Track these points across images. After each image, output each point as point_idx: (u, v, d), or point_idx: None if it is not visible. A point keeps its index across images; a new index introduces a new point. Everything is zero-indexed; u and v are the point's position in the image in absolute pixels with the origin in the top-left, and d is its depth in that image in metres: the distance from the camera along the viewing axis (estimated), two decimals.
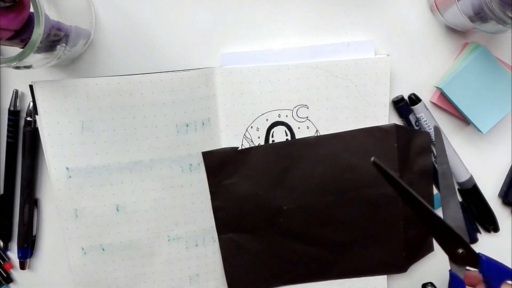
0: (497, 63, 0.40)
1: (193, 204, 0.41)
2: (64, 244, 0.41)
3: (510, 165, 0.43)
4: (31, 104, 0.40)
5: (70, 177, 0.39)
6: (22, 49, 0.30)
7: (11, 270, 0.44)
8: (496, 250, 0.44)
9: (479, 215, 0.43)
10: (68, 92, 0.38)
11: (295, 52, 0.40)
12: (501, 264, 0.36)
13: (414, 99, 0.41)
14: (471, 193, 0.43)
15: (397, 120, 0.42)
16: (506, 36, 0.41)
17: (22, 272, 0.44)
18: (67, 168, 0.39)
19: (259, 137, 0.41)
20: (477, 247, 0.44)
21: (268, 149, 0.41)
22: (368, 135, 0.40)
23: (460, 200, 0.44)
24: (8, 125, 0.41)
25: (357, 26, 0.41)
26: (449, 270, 0.37)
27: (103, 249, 0.41)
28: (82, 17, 0.37)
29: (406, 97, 0.41)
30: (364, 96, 0.40)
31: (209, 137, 0.41)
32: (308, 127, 0.41)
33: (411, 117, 0.41)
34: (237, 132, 0.41)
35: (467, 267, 0.37)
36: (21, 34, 0.31)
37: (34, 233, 0.43)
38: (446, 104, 0.41)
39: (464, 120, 0.42)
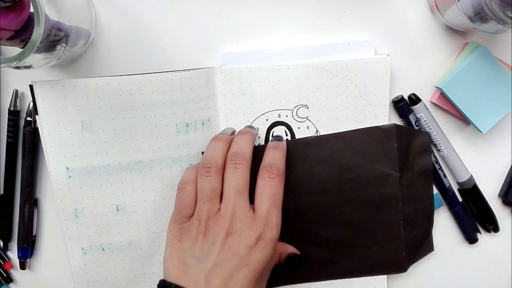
0: (497, 63, 0.40)
1: None
2: (64, 244, 0.41)
3: (510, 165, 0.43)
4: (31, 104, 0.40)
5: (70, 177, 0.39)
6: (22, 49, 0.30)
7: (11, 270, 0.44)
8: (496, 250, 0.44)
9: (479, 215, 0.43)
10: (68, 92, 0.38)
11: (295, 52, 0.40)
12: None
13: (414, 99, 0.41)
14: (471, 193, 0.43)
15: (397, 120, 0.42)
16: (506, 36, 0.41)
17: (22, 272, 0.44)
18: (67, 168, 0.39)
19: (259, 137, 0.41)
20: (477, 247, 0.44)
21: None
22: (368, 135, 0.40)
23: (460, 200, 0.44)
24: (8, 125, 0.41)
25: (357, 26, 0.40)
26: None
27: (103, 249, 0.41)
28: (82, 17, 0.37)
29: (406, 97, 0.41)
30: (364, 96, 0.40)
31: (209, 137, 0.40)
32: (308, 127, 0.41)
33: (411, 117, 0.41)
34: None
35: None
36: (21, 34, 0.31)
37: (34, 233, 0.43)
38: (446, 104, 0.41)
39: (464, 120, 0.42)
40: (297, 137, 0.41)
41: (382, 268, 0.42)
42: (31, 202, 0.42)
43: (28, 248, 0.43)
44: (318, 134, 0.41)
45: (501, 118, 0.40)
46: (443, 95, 0.40)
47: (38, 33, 0.29)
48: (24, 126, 0.41)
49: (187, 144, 0.40)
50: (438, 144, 0.42)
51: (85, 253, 0.41)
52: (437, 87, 0.41)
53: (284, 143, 0.39)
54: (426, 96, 0.42)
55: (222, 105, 0.40)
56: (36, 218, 0.43)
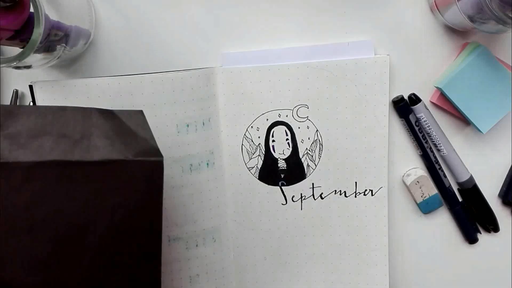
0: (497, 63, 0.40)
1: (193, 204, 0.41)
2: None
3: (510, 165, 0.43)
4: (31, 104, 0.40)
5: None
6: (22, 49, 0.30)
7: None
8: (496, 250, 0.44)
9: (479, 215, 0.43)
10: (69, 92, 0.38)
11: (295, 52, 0.40)
12: None
13: (414, 99, 0.41)
14: (471, 193, 0.43)
15: (397, 120, 0.42)
16: (506, 36, 0.41)
17: None
18: None
19: (259, 137, 0.41)
20: (477, 247, 0.44)
21: None
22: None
23: (460, 200, 0.44)
24: None
25: (357, 26, 0.41)
26: None
27: None
28: (82, 17, 0.37)
29: (406, 97, 0.41)
30: (364, 96, 0.40)
31: (210, 137, 0.41)
32: (308, 127, 0.41)
33: (411, 117, 0.41)
34: (237, 132, 0.41)
35: None
36: (21, 34, 0.31)
37: None
38: (446, 104, 0.41)
39: (464, 120, 0.42)
40: (297, 136, 0.41)
41: None
42: None
43: None
44: (319, 136, 0.41)
45: (501, 118, 0.40)
46: (443, 95, 0.40)
47: (38, 33, 0.29)
48: None
49: (188, 144, 0.40)
50: (438, 144, 0.42)
51: None
52: (437, 87, 0.41)
53: None
54: (426, 96, 0.42)
55: (223, 105, 0.40)
56: None
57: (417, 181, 0.42)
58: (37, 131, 0.28)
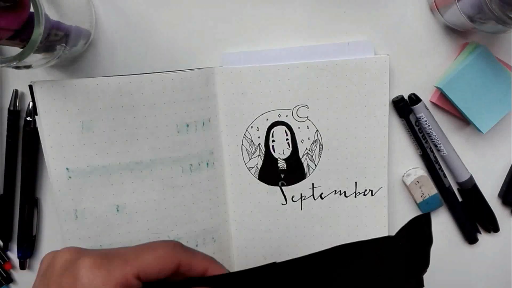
0: (497, 63, 0.40)
1: (193, 204, 0.41)
2: (63, 245, 0.41)
3: (510, 165, 0.43)
4: (31, 104, 0.40)
5: (70, 177, 0.39)
6: (22, 49, 0.30)
7: (11, 270, 0.44)
8: (496, 250, 0.44)
9: (479, 215, 0.43)
10: (68, 92, 0.38)
11: (295, 52, 0.40)
12: None
13: (414, 99, 0.41)
14: (471, 193, 0.43)
15: (397, 120, 0.42)
16: (506, 36, 0.41)
17: (22, 272, 0.44)
18: (67, 169, 0.39)
19: (259, 137, 0.41)
20: (477, 247, 0.44)
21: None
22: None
23: (460, 200, 0.44)
24: (8, 125, 0.41)
25: (357, 26, 0.40)
26: None
27: None
28: (82, 17, 0.37)
29: (406, 97, 0.41)
30: (364, 96, 0.40)
31: (210, 137, 0.41)
32: (308, 127, 0.41)
33: (411, 117, 0.41)
34: (237, 132, 0.41)
35: None
36: (21, 34, 0.31)
37: (34, 233, 0.43)
38: (446, 104, 0.41)
39: (464, 120, 0.42)
40: (297, 137, 0.41)
41: None
42: (31, 202, 0.42)
43: (28, 248, 0.43)
44: (319, 136, 0.41)
45: (501, 118, 0.40)
46: (443, 95, 0.40)
47: (38, 33, 0.29)
48: (24, 126, 0.41)
49: (188, 144, 0.40)
50: (438, 144, 0.42)
51: None
52: (437, 87, 0.41)
53: None
54: (426, 96, 0.42)
55: (223, 105, 0.40)
56: (36, 218, 0.43)
57: (417, 181, 0.42)
58: None
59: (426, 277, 0.45)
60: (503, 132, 0.42)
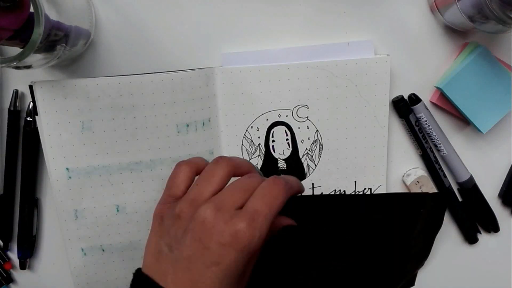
0: (497, 63, 0.40)
1: None
2: (64, 245, 0.41)
3: (510, 165, 0.43)
4: (31, 104, 0.40)
5: (70, 177, 0.39)
6: (22, 49, 0.30)
7: (11, 270, 0.44)
8: (496, 250, 0.44)
9: (479, 215, 0.43)
10: (68, 92, 0.38)
11: (295, 52, 0.40)
12: None
13: (414, 99, 0.41)
14: (471, 193, 0.43)
15: (397, 120, 0.42)
16: (506, 36, 0.41)
17: (22, 272, 0.44)
18: (67, 169, 0.39)
19: (259, 137, 0.41)
20: (477, 247, 0.44)
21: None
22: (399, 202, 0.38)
23: (460, 200, 0.44)
24: (8, 125, 0.41)
25: (357, 26, 0.40)
26: None
27: (103, 250, 0.41)
28: (82, 17, 0.36)
29: (406, 97, 0.41)
30: (364, 96, 0.40)
31: (210, 137, 0.41)
32: (308, 127, 0.41)
33: (411, 117, 0.41)
34: (237, 132, 0.41)
35: None
36: (21, 34, 0.31)
37: (34, 233, 0.43)
38: (446, 104, 0.41)
39: (464, 120, 0.42)
40: (297, 137, 0.41)
41: None
42: (31, 202, 0.42)
43: (28, 248, 0.43)
44: (319, 136, 0.41)
45: (501, 118, 0.40)
46: (443, 95, 0.40)
47: (38, 33, 0.29)
48: (24, 126, 0.41)
49: (188, 144, 0.40)
50: (438, 144, 0.42)
51: (85, 254, 0.41)
52: (437, 87, 0.41)
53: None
54: (426, 96, 0.42)
55: (222, 105, 0.40)
56: (36, 218, 0.43)
57: (417, 181, 0.42)
58: None
59: (426, 276, 0.45)
60: (503, 132, 0.42)
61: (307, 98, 0.40)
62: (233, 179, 0.33)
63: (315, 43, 0.40)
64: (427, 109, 0.41)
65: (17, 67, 0.31)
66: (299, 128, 0.41)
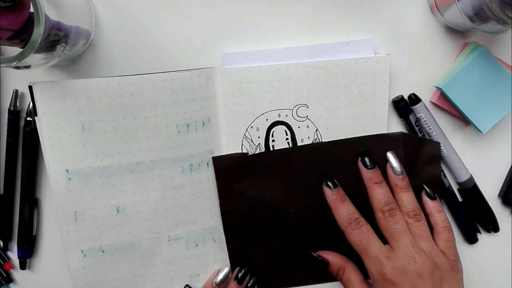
0: (497, 63, 0.40)
1: (193, 204, 0.41)
2: (63, 247, 0.41)
3: (510, 165, 0.43)
4: (31, 104, 0.40)
5: (70, 179, 0.39)
6: (22, 49, 0.30)
7: (11, 270, 0.44)
8: (496, 250, 0.44)
9: (479, 215, 0.43)
10: (68, 93, 0.38)
11: (294, 52, 0.40)
12: None
13: (414, 99, 0.41)
14: (471, 193, 0.43)
15: (397, 120, 0.42)
16: (506, 36, 0.41)
17: (22, 272, 0.44)
18: (67, 170, 0.39)
19: (259, 137, 0.41)
20: (477, 247, 0.44)
21: (277, 154, 0.41)
22: (376, 142, 0.40)
23: (460, 200, 0.44)
24: (8, 125, 0.41)
25: (357, 25, 0.40)
26: None
27: (103, 251, 0.41)
28: (82, 17, 0.36)
29: (406, 97, 0.41)
30: (364, 95, 0.40)
31: (210, 137, 0.41)
32: (308, 126, 0.41)
33: (411, 117, 0.41)
34: (237, 132, 0.41)
35: None
36: (21, 34, 0.31)
37: (34, 233, 0.43)
38: (446, 104, 0.41)
39: (464, 120, 0.42)
40: (297, 136, 0.41)
41: None
42: (31, 202, 0.42)
43: (28, 248, 0.43)
44: (319, 135, 0.41)
45: (501, 118, 0.40)
46: (443, 95, 0.40)
47: (38, 33, 0.29)
48: (24, 126, 0.41)
49: (188, 144, 0.40)
50: None
51: (84, 255, 0.41)
52: (437, 87, 0.41)
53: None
54: (426, 96, 0.42)
55: (222, 105, 0.40)
56: (36, 218, 0.43)
57: None
58: None
59: None
60: (503, 132, 0.42)
61: (307, 98, 0.40)
62: None
63: (314, 43, 0.40)
64: (427, 109, 0.41)
65: (17, 67, 0.31)
66: (299, 127, 0.41)
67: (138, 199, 0.40)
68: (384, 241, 0.37)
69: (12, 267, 0.44)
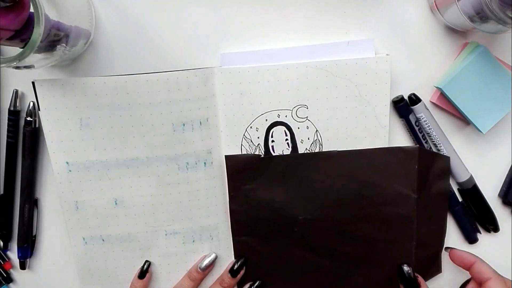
0: (497, 63, 0.40)
1: (189, 201, 0.41)
2: (66, 236, 0.42)
3: (510, 165, 0.43)
4: (31, 104, 0.40)
5: (70, 171, 0.40)
6: (22, 49, 0.30)
7: (11, 270, 0.44)
8: (496, 250, 0.44)
9: (479, 215, 0.43)
10: (67, 90, 0.39)
11: (294, 52, 0.40)
12: None
13: (414, 99, 0.41)
14: (471, 193, 0.43)
15: (397, 120, 0.42)
16: (506, 36, 0.41)
17: (22, 272, 0.44)
18: (67, 163, 0.40)
19: (258, 137, 0.41)
20: (477, 247, 0.44)
21: (290, 159, 0.41)
22: (390, 154, 0.40)
23: (460, 200, 0.44)
24: (8, 125, 0.41)
25: (357, 25, 0.40)
26: None
27: (103, 240, 0.42)
28: (82, 17, 0.37)
29: (406, 97, 0.41)
30: (364, 96, 0.40)
31: (208, 137, 0.41)
32: (307, 127, 0.41)
33: (411, 117, 0.41)
34: (236, 132, 0.41)
35: None
36: (21, 34, 0.31)
37: (34, 233, 0.43)
38: (446, 104, 0.41)
39: (464, 120, 0.42)
40: (296, 137, 0.41)
41: (390, 285, 0.42)
42: (31, 202, 0.42)
43: (28, 248, 0.43)
44: (319, 136, 0.41)
45: (501, 118, 0.40)
46: (443, 95, 0.40)
47: (38, 33, 0.29)
48: (24, 126, 0.41)
49: (184, 142, 0.40)
50: (438, 144, 0.42)
51: (86, 243, 0.42)
52: (437, 87, 0.41)
53: None
54: (426, 96, 0.42)
55: (222, 105, 0.40)
56: (36, 218, 0.43)
57: None
58: None
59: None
60: (503, 132, 0.42)
61: (307, 98, 0.40)
62: None
63: (314, 43, 0.40)
64: (427, 109, 0.41)
65: (17, 67, 0.31)
66: (298, 128, 0.41)
67: (135, 193, 0.41)
68: None
69: (12, 267, 0.44)
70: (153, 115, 0.39)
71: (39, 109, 0.39)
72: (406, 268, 0.41)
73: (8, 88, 0.41)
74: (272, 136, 0.41)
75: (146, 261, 0.43)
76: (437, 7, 0.39)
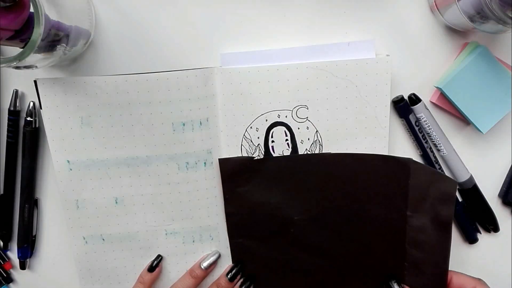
0: (497, 63, 0.40)
1: (189, 201, 0.41)
2: (66, 233, 0.42)
3: (510, 165, 0.43)
4: (31, 104, 0.41)
5: (71, 169, 0.41)
6: (22, 49, 0.30)
7: (11, 270, 0.44)
8: (496, 250, 0.44)
9: (479, 215, 0.43)
10: (68, 89, 0.39)
11: (294, 53, 0.40)
12: None
13: (414, 99, 0.41)
14: (471, 193, 0.43)
15: (397, 120, 0.42)
16: (506, 36, 0.41)
17: (22, 272, 0.44)
18: (68, 161, 0.40)
19: (258, 138, 0.41)
20: (477, 247, 0.44)
21: (284, 160, 0.41)
22: (384, 163, 0.40)
23: (460, 200, 0.44)
24: (8, 125, 0.41)
25: (357, 26, 0.40)
26: None
27: (103, 239, 0.42)
28: (82, 17, 0.37)
29: (406, 97, 0.41)
30: (365, 97, 0.40)
31: (208, 137, 0.41)
32: (308, 128, 0.41)
33: (411, 117, 0.41)
34: (236, 133, 0.41)
35: None
36: (21, 34, 0.31)
37: (34, 233, 0.43)
38: (446, 104, 0.41)
39: (464, 120, 0.42)
40: (296, 137, 0.41)
41: (384, 285, 0.42)
42: (31, 202, 0.42)
43: (28, 248, 0.43)
44: (319, 136, 0.41)
45: (501, 118, 0.40)
46: (443, 95, 0.40)
47: (38, 33, 0.29)
48: (24, 126, 0.41)
49: (184, 142, 0.40)
50: (438, 144, 0.42)
51: (86, 242, 0.42)
52: (437, 87, 0.41)
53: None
54: (426, 96, 0.42)
55: (222, 105, 0.40)
56: (36, 218, 0.43)
57: None
58: None
59: None
60: (503, 132, 0.42)
61: (307, 99, 0.40)
62: None
63: (315, 43, 0.40)
64: (427, 109, 0.41)
65: (17, 67, 0.32)
66: (298, 128, 0.41)
67: (135, 192, 0.41)
68: None
69: (12, 267, 0.44)
70: (153, 115, 0.39)
71: (40, 108, 0.39)
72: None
73: (8, 88, 0.41)
74: (272, 137, 0.41)
75: (159, 255, 0.43)
76: (437, 7, 0.39)
